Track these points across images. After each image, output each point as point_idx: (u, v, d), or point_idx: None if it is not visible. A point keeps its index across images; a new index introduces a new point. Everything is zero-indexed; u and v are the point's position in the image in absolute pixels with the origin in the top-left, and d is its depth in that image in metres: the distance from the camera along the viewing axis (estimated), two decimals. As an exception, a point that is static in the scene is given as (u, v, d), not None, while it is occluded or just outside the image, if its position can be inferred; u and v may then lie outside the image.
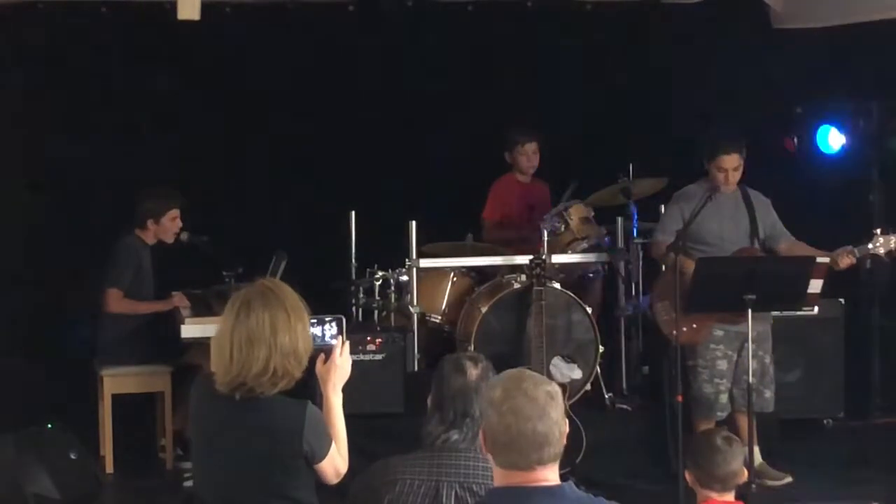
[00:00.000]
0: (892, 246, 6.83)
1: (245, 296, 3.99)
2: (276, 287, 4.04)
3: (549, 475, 3.26)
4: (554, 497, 3.24)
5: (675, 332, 6.87)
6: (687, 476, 4.63)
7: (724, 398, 7.05)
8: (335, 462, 4.06)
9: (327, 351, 4.12)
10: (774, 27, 8.72)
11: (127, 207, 7.89)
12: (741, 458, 4.58)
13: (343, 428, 4.12)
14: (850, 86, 8.28)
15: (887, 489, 6.75)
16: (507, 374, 3.34)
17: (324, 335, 4.15)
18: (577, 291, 7.81)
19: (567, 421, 3.29)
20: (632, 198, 8.20)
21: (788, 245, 7.20)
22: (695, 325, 6.99)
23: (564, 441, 3.27)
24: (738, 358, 7.03)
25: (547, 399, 3.24)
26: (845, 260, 6.87)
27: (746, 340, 6.81)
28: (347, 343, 4.17)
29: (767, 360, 7.13)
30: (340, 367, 4.12)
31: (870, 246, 6.86)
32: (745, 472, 4.62)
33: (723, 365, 7.05)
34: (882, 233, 6.84)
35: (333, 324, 4.19)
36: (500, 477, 3.30)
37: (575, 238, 8.01)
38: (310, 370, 4.08)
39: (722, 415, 7.05)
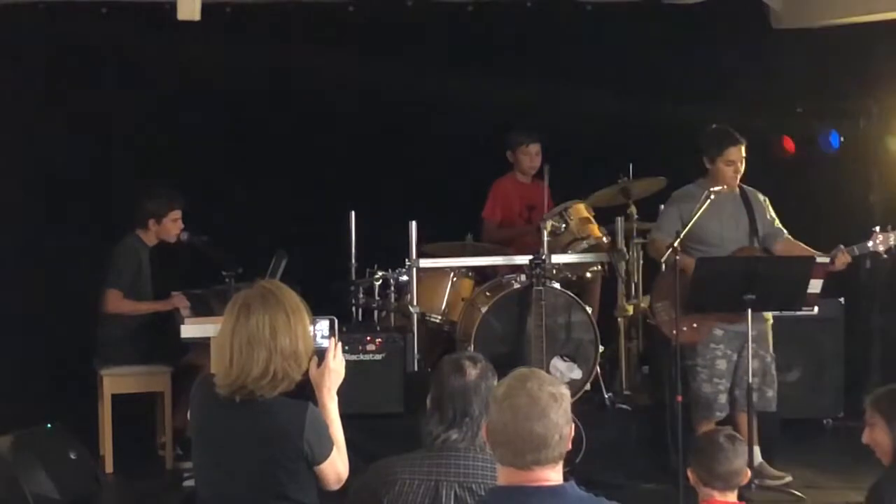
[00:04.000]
0: (892, 243, 6.84)
1: (245, 298, 3.97)
2: (276, 289, 4.02)
3: (551, 475, 3.25)
4: (555, 497, 3.24)
5: (674, 331, 6.88)
6: (689, 475, 4.61)
7: (723, 398, 7.05)
8: (336, 466, 4.04)
9: (320, 354, 4.08)
10: (774, 27, 8.72)
11: (127, 207, 7.90)
12: (744, 457, 4.56)
13: (341, 433, 4.09)
14: (850, 86, 8.28)
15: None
16: (517, 371, 3.32)
17: (315, 336, 4.10)
18: (576, 291, 7.81)
19: (573, 425, 3.28)
20: (632, 198, 8.20)
21: (785, 244, 7.20)
22: (695, 325, 6.99)
23: (568, 444, 3.25)
24: (738, 358, 7.03)
25: (549, 401, 3.21)
26: (841, 259, 6.88)
27: (747, 340, 6.82)
28: (340, 345, 4.15)
29: (768, 359, 7.13)
30: (334, 371, 4.09)
31: (869, 244, 6.88)
32: (748, 472, 4.60)
33: (722, 365, 7.05)
34: (881, 230, 6.86)
35: (325, 324, 4.15)
36: (501, 474, 3.30)
37: (575, 238, 8.01)
38: (305, 372, 4.06)
39: (721, 415, 7.05)
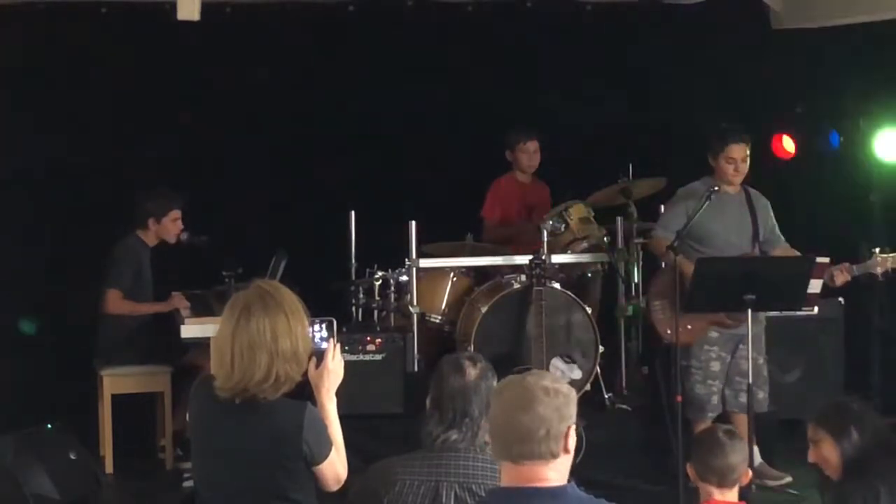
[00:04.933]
0: (889, 266, 6.82)
1: (244, 300, 3.96)
2: (275, 290, 4.01)
3: (551, 475, 3.24)
4: (555, 499, 3.23)
5: (670, 331, 6.88)
6: (688, 470, 4.61)
7: (715, 399, 7.07)
8: (335, 467, 4.04)
9: (319, 355, 4.08)
10: (774, 27, 8.71)
11: (127, 207, 7.90)
12: (741, 454, 4.52)
13: (339, 434, 4.09)
14: (850, 86, 8.28)
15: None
16: (527, 371, 3.36)
17: (314, 337, 4.11)
18: (576, 291, 7.81)
19: (571, 425, 3.27)
20: (632, 198, 8.20)
21: (784, 251, 7.20)
22: (689, 326, 6.98)
23: (563, 443, 3.23)
24: (731, 359, 7.04)
25: (541, 394, 3.21)
26: (841, 277, 6.86)
27: (740, 342, 6.83)
28: (338, 346, 4.14)
29: (760, 360, 7.13)
30: (333, 372, 4.09)
31: (868, 264, 6.86)
32: (748, 472, 4.56)
33: (716, 366, 7.06)
34: (881, 252, 6.84)
35: (323, 326, 4.15)
36: (503, 473, 3.31)
37: (575, 238, 8.01)
38: (304, 372, 4.06)
39: (713, 415, 7.05)
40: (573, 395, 3.28)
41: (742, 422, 6.78)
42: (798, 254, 7.11)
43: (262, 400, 3.93)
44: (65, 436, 6.79)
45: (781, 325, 7.36)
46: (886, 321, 8.36)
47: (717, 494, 4.50)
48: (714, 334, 7.03)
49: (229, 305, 3.99)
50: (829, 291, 7.15)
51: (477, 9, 8.79)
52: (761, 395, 7.09)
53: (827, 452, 4.60)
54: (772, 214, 7.27)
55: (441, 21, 8.89)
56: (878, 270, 6.83)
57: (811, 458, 4.63)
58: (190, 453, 4.28)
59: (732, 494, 4.51)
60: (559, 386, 3.26)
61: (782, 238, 7.25)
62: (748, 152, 7.13)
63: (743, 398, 6.90)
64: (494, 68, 9.20)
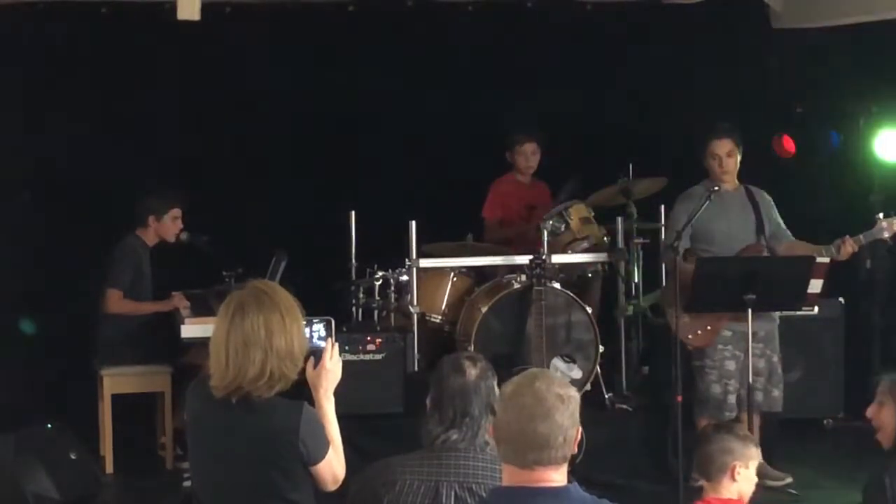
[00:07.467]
0: (895, 229, 6.82)
1: (239, 299, 3.96)
2: (270, 289, 4.02)
3: (555, 476, 3.24)
4: (558, 499, 3.24)
5: (691, 336, 6.89)
6: None
7: (732, 398, 7.03)
8: (333, 467, 4.03)
9: (316, 354, 4.08)
10: (774, 27, 8.71)
11: (127, 207, 7.90)
12: (720, 445, 4.42)
13: (338, 434, 4.08)
14: (850, 86, 8.28)
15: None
16: (527, 371, 3.34)
17: (312, 337, 4.11)
18: (576, 291, 7.81)
19: (580, 428, 3.27)
20: (632, 198, 8.20)
21: (790, 245, 7.20)
22: (709, 328, 6.98)
23: (573, 447, 3.25)
24: (744, 358, 7.04)
25: (556, 402, 3.21)
26: (846, 249, 6.85)
27: (748, 340, 6.82)
28: (336, 346, 4.14)
29: (775, 359, 7.14)
30: (331, 372, 4.09)
31: (874, 231, 6.85)
32: (735, 465, 4.46)
33: (731, 365, 7.04)
34: (885, 217, 6.83)
35: (321, 325, 4.15)
36: (505, 473, 3.30)
37: (575, 238, 8.01)
38: (301, 371, 4.05)
39: (731, 415, 7.02)
40: (578, 396, 3.29)
41: (754, 421, 6.78)
42: (805, 244, 7.09)
43: (256, 398, 3.93)
44: (65, 436, 6.80)
45: (781, 325, 7.36)
46: (886, 321, 8.37)
47: (710, 490, 4.45)
48: (727, 333, 7.02)
49: (224, 304, 4.00)
50: (829, 291, 7.15)
51: (477, 9, 8.79)
52: (776, 393, 7.11)
53: (886, 417, 4.62)
54: (775, 210, 7.27)
55: (441, 21, 8.89)
56: (886, 235, 6.83)
57: (870, 413, 4.66)
58: (187, 454, 4.27)
59: (730, 491, 4.43)
60: (569, 390, 3.26)
61: (788, 232, 7.24)
62: (734, 147, 7.11)
63: (757, 396, 6.91)
64: (494, 68, 9.20)
